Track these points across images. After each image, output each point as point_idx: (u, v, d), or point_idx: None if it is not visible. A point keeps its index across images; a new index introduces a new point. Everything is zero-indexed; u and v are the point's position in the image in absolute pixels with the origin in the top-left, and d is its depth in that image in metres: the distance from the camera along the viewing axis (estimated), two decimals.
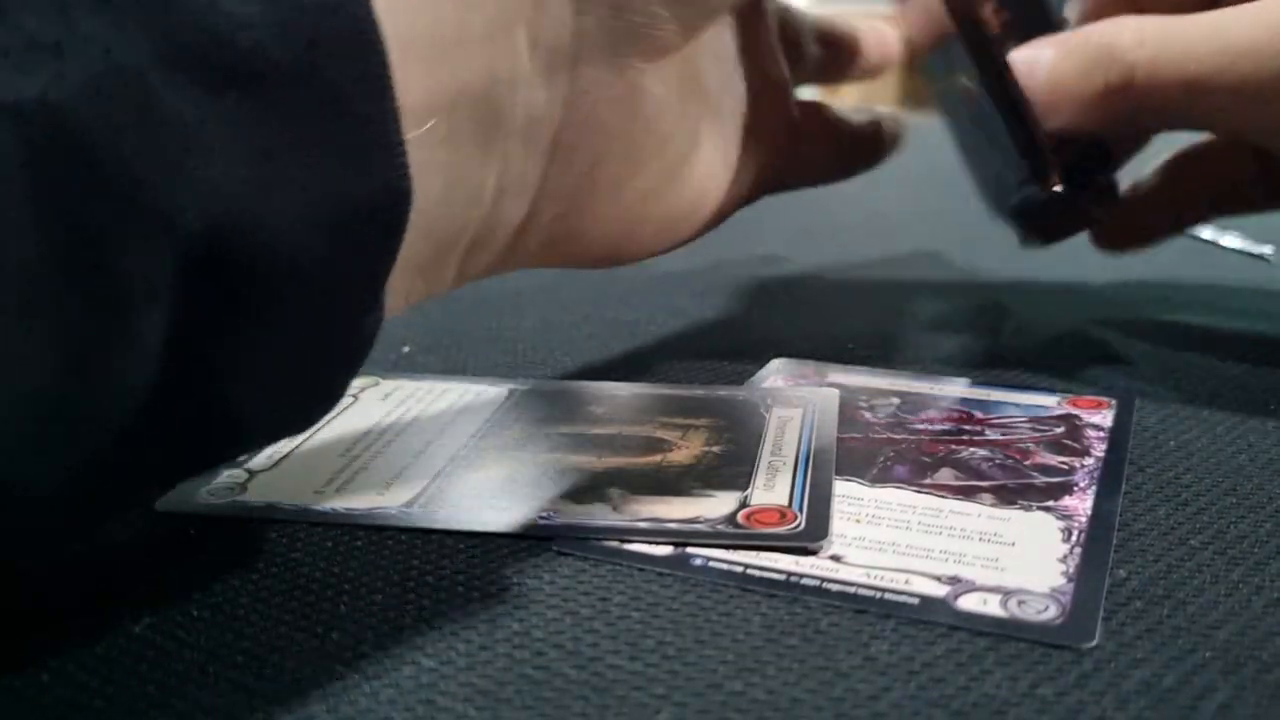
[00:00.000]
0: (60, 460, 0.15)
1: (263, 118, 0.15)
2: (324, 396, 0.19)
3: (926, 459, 0.26)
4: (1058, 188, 0.31)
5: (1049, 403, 0.29)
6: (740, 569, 0.21)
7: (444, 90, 0.18)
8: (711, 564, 0.21)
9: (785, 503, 0.23)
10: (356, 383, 0.28)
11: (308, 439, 0.26)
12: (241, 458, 0.25)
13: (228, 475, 0.24)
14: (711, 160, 0.27)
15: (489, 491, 0.24)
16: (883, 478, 0.25)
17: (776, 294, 0.41)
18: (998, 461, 0.25)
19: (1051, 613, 0.19)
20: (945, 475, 0.25)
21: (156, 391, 0.16)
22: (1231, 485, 0.24)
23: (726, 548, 0.21)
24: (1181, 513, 0.23)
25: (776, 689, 0.17)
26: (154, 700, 0.17)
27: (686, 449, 0.26)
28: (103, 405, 0.15)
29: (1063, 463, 0.25)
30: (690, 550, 0.21)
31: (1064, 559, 0.21)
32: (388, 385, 0.30)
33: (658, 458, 0.25)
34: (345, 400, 0.28)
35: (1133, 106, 0.28)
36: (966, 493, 0.24)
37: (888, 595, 0.20)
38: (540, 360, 0.33)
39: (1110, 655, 0.18)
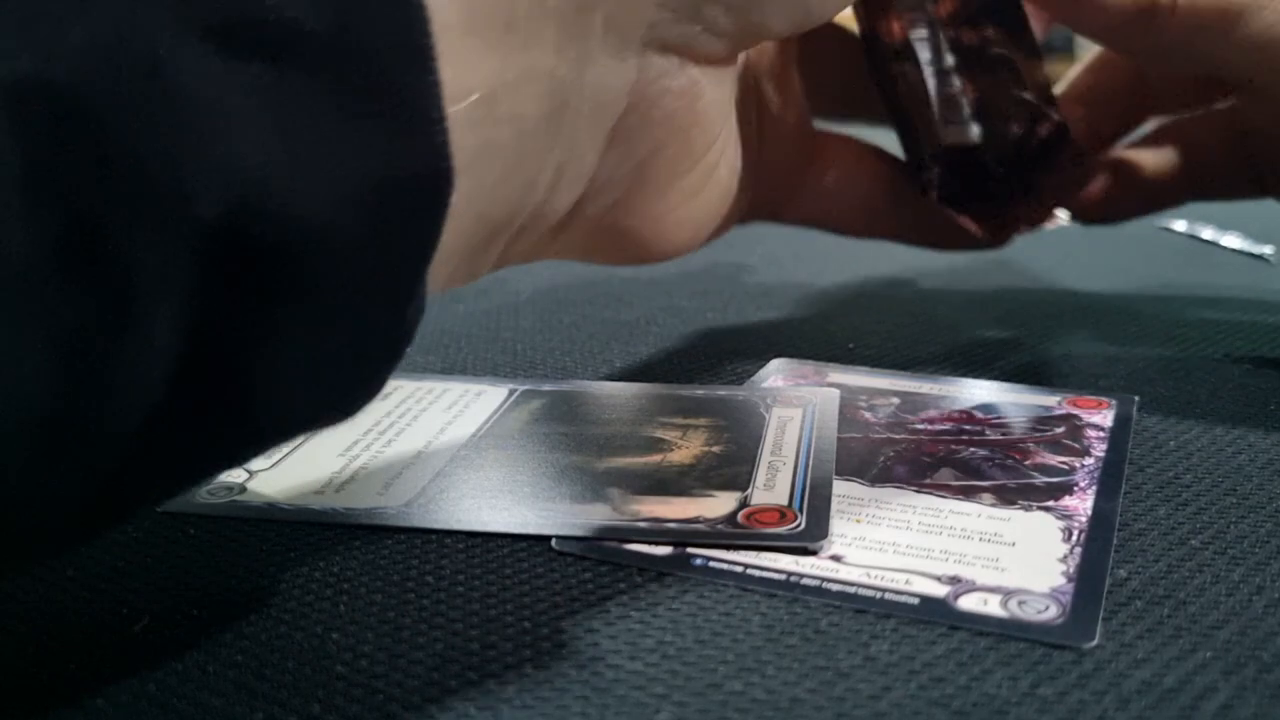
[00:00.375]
0: (63, 473, 0.14)
1: (290, 89, 0.14)
2: (364, 390, 0.17)
3: (927, 459, 0.26)
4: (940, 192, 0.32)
5: (1049, 403, 0.29)
6: (740, 569, 0.21)
7: (510, 68, 0.17)
8: (711, 564, 0.21)
9: (785, 503, 0.23)
10: None
11: (307, 439, 0.26)
12: None
13: (227, 475, 0.24)
14: (733, 168, 0.27)
15: (489, 491, 0.24)
16: (883, 478, 0.25)
17: (776, 294, 0.41)
18: (998, 461, 0.25)
19: (1052, 613, 0.19)
20: (945, 475, 0.25)
21: (174, 388, 0.14)
22: (1232, 485, 0.24)
23: (726, 548, 0.21)
24: (1182, 513, 0.23)
25: (776, 689, 0.17)
26: (154, 700, 0.17)
27: (686, 449, 0.26)
28: (110, 412, 0.14)
29: (1063, 463, 0.25)
30: (690, 550, 0.21)
31: (1064, 559, 0.21)
32: (387, 386, 0.30)
33: (658, 458, 0.25)
34: None
35: (1168, 33, 0.29)
36: (967, 493, 0.24)
37: (888, 595, 0.20)
38: (540, 360, 0.33)
39: (1111, 655, 0.18)
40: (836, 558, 0.21)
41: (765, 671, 0.18)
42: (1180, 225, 0.52)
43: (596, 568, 0.21)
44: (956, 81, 0.32)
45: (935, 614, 0.19)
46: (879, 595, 0.20)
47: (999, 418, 0.28)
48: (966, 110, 0.32)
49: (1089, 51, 0.37)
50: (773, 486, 0.24)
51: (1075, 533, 0.22)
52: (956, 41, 0.32)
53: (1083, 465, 0.25)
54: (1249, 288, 0.42)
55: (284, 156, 0.14)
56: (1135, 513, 0.23)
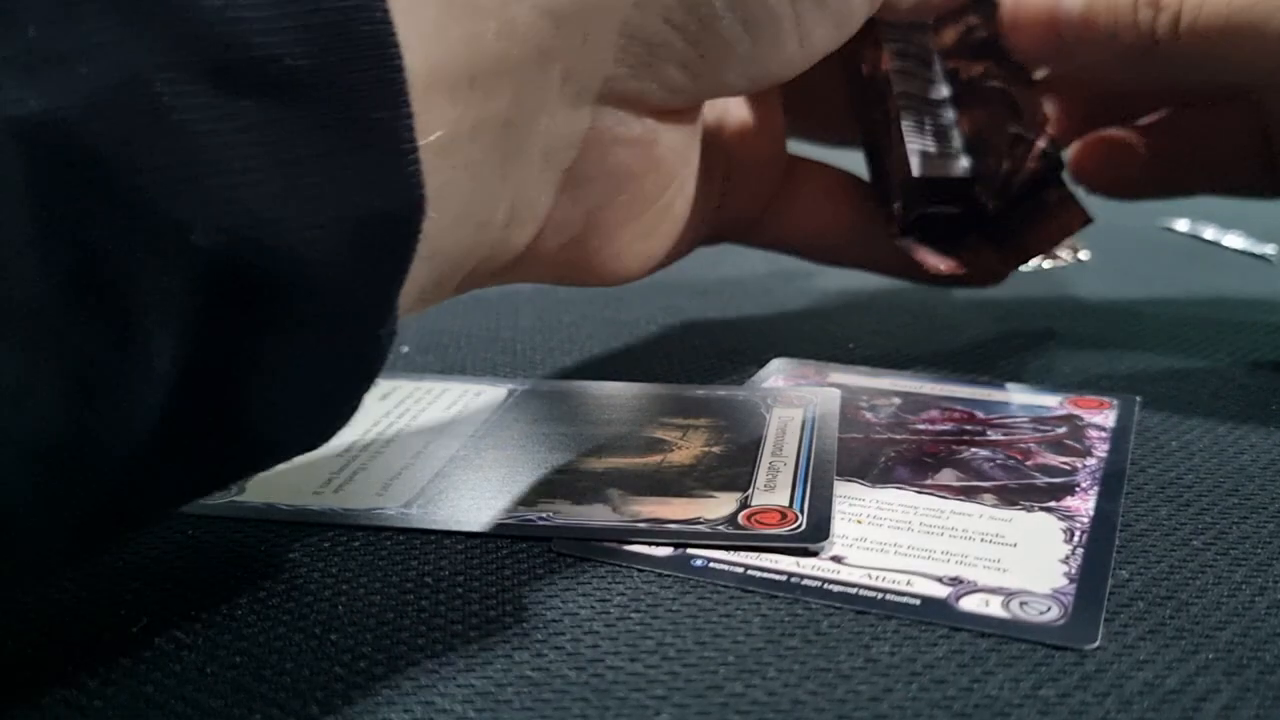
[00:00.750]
0: (68, 495, 0.15)
1: (279, 124, 0.15)
2: (341, 412, 0.18)
3: (928, 459, 0.25)
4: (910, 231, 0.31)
5: (1051, 403, 0.29)
6: (741, 570, 0.21)
7: (467, 118, 0.18)
8: (712, 565, 0.21)
9: (786, 503, 0.23)
10: None
11: None
12: None
13: None
14: (691, 201, 0.26)
15: (488, 492, 0.24)
16: (884, 478, 0.25)
17: (776, 294, 0.41)
18: (999, 462, 0.25)
19: (1054, 614, 0.19)
20: (947, 476, 0.25)
21: (169, 414, 0.15)
22: (1234, 486, 0.24)
23: (727, 548, 0.21)
24: (1184, 513, 0.23)
25: (777, 690, 0.17)
26: (152, 700, 0.17)
27: (686, 449, 0.26)
28: (112, 436, 0.15)
29: (1064, 463, 0.25)
30: (690, 551, 0.21)
31: (1066, 560, 0.21)
32: (386, 385, 0.30)
33: (658, 458, 0.25)
34: None
35: (1172, 60, 0.29)
36: (968, 493, 0.24)
37: (889, 596, 0.20)
38: (540, 360, 0.33)
39: (1113, 656, 0.18)
40: (837, 559, 0.21)
41: (766, 673, 0.18)
42: (1182, 225, 0.52)
43: (596, 568, 0.21)
44: (950, 113, 0.32)
45: (937, 615, 0.19)
46: (880, 596, 0.20)
47: (1000, 418, 0.28)
48: (958, 143, 0.32)
49: None
50: (773, 487, 0.24)
51: (1077, 533, 0.22)
52: (954, 73, 0.32)
53: (1084, 466, 0.25)
54: (1251, 288, 0.42)
55: (273, 189, 0.15)
56: (1137, 513, 0.23)
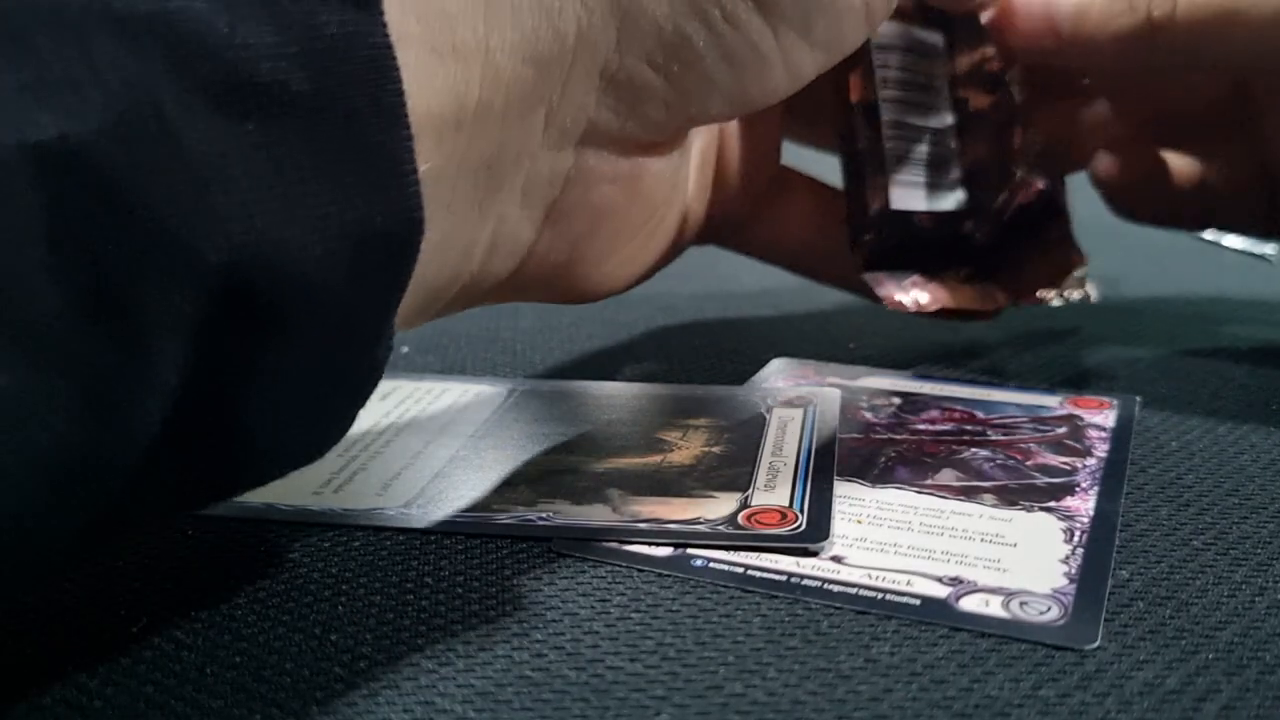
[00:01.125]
0: (75, 506, 0.15)
1: (283, 146, 0.15)
2: (337, 426, 0.18)
3: (928, 459, 0.25)
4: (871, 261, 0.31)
5: (1050, 403, 0.29)
6: (741, 570, 0.21)
7: (452, 161, 0.18)
8: (712, 565, 0.21)
9: (786, 503, 0.23)
10: None
11: None
12: None
13: None
14: (679, 219, 0.26)
15: (488, 492, 0.24)
16: (884, 478, 0.25)
17: (776, 294, 0.41)
18: (999, 462, 0.25)
19: (1054, 614, 0.19)
20: (947, 476, 0.25)
21: (172, 426, 0.16)
22: (1234, 486, 0.24)
23: (727, 549, 0.21)
24: (1184, 513, 0.23)
25: (777, 690, 0.17)
26: (152, 701, 0.17)
27: (686, 449, 0.26)
28: (118, 448, 0.15)
29: (1064, 463, 0.25)
30: (690, 551, 0.21)
31: (1066, 560, 0.21)
32: (386, 385, 0.30)
33: (658, 458, 0.25)
34: None
35: (1168, 40, 0.29)
36: (968, 493, 0.24)
37: (889, 596, 0.20)
38: (540, 360, 0.33)
39: (1113, 657, 0.18)
40: (837, 559, 0.21)
41: (766, 673, 0.18)
42: None
43: (596, 568, 0.21)
44: (952, 142, 0.31)
45: (937, 615, 0.19)
46: (880, 596, 0.20)
47: (1000, 418, 0.28)
48: (955, 174, 0.31)
49: None
50: (773, 487, 0.24)
51: (1077, 534, 0.22)
52: (964, 102, 0.31)
53: (1084, 466, 0.25)
54: (1251, 288, 0.42)
55: (278, 208, 0.15)
56: (1137, 513, 0.23)
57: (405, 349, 0.34)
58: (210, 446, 0.17)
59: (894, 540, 0.22)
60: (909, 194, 0.30)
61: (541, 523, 0.22)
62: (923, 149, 0.31)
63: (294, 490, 0.24)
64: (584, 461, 0.25)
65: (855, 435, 0.27)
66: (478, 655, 0.18)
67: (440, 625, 0.19)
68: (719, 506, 0.23)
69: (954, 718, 0.17)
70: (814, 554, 0.21)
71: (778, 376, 0.31)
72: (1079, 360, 0.33)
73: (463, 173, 0.19)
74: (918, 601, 0.20)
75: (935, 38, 0.31)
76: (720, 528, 0.22)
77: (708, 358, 0.33)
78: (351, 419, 0.18)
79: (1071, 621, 0.19)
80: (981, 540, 0.22)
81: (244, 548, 0.22)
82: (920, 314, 0.31)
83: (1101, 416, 0.28)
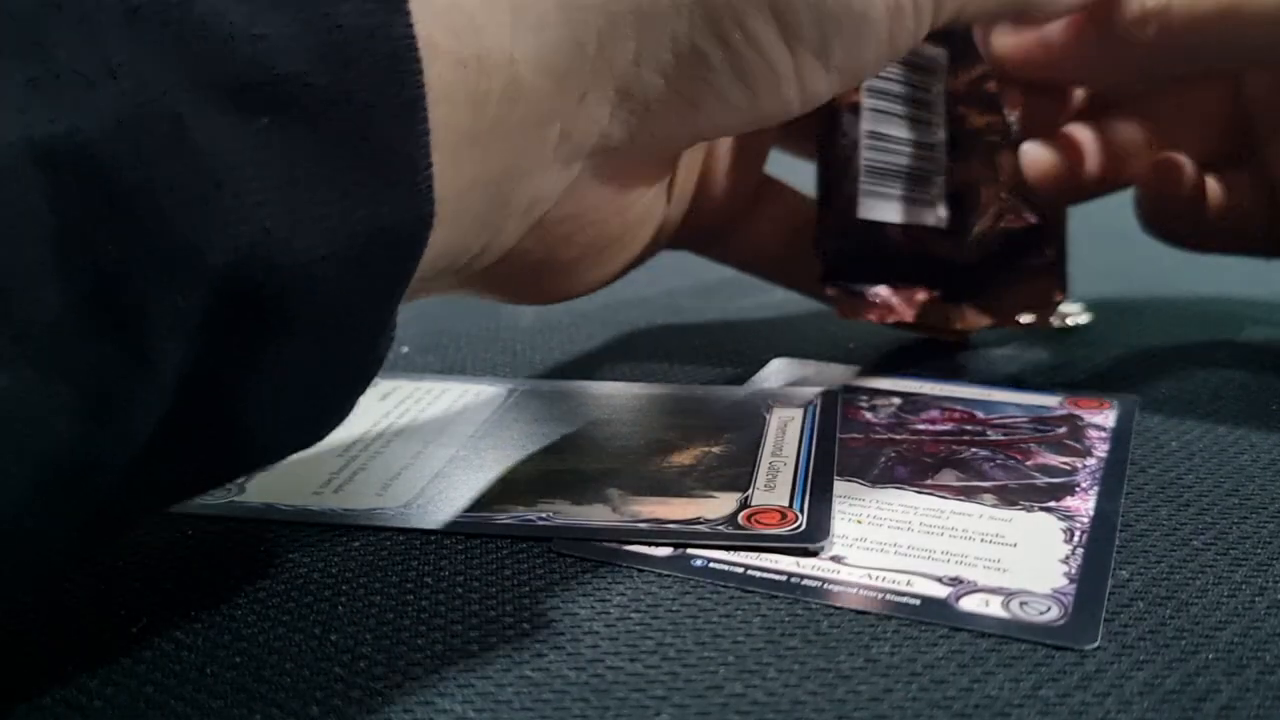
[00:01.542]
0: (74, 506, 0.15)
1: (294, 143, 0.15)
2: (335, 415, 0.18)
3: (928, 459, 0.25)
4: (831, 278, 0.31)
5: (1050, 403, 0.29)
6: (741, 570, 0.21)
7: (464, 180, 0.18)
8: (712, 565, 0.21)
9: (786, 503, 0.23)
10: None
11: None
12: None
13: None
14: (654, 229, 0.26)
15: (488, 492, 0.24)
16: (884, 478, 0.25)
17: (776, 294, 0.41)
18: (999, 462, 0.25)
19: (1054, 614, 0.19)
20: (947, 476, 0.25)
21: (170, 424, 0.15)
22: (1234, 486, 0.24)
23: (727, 549, 0.21)
24: (1184, 513, 0.23)
25: (777, 690, 0.17)
26: (152, 701, 0.17)
27: (687, 449, 0.26)
28: (119, 448, 0.15)
29: (1064, 463, 0.25)
30: (690, 551, 0.21)
31: (1066, 560, 0.21)
32: (386, 386, 0.30)
33: (658, 458, 0.25)
34: None
35: (1167, 41, 0.29)
36: (968, 493, 0.24)
37: (889, 596, 0.20)
38: (540, 360, 0.33)
39: (1113, 657, 0.18)
40: (837, 559, 0.21)
41: (766, 673, 0.18)
42: None
43: (596, 568, 0.21)
44: (942, 159, 0.31)
45: (936, 615, 0.19)
46: (880, 596, 0.20)
47: (1000, 418, 0.28)
48: (939, 190, 0.31)
49: None
50: (773, 487, 0.24)
51: (1077, 534, 0.22)
52: (961, 120, 0.31)
53: (1084, 466, 0.25)
54: (1251, 288, 0.42)
55: (286, 206, 0.15)
56: (1137, 513, 0.23)
57: (405, 349, 0.34)
58: (208, 441, 0.16)
59: (894, 540, 0.22)
60: (882, 205, 0.30)
61: (541, 523, 0.22)
62: (905, 161, 0.31)
63: (294, 490, 0.24)
64: (584, 461, 0.25)
65: (855, 435, 0.27)
66: (478, 655, 0.18)
67: (440, 625, 0.19)
68: (719, 506, 0.23)
69: (954, 718, 0.17)
70: (814, 554, 0.21)
71: (778, 376, 0.31)
72: (1079, 360, 0.33)
73: (474, 189, 0.19)
74: (918, 601, 0.20)
75: (937, 52, 0.31)
76: (720, 528, 0.22)
77: (708, 358, 0.33)
78: (352, 406, 0.18)
79: (1071, 621, 0.19)
80: (981, 540, 0.22)
81: (244, 548, 0.22)
82: (882, 323, 0.31)
83: (1101, 416, 0.28)
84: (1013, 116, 0.31)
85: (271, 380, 0.16)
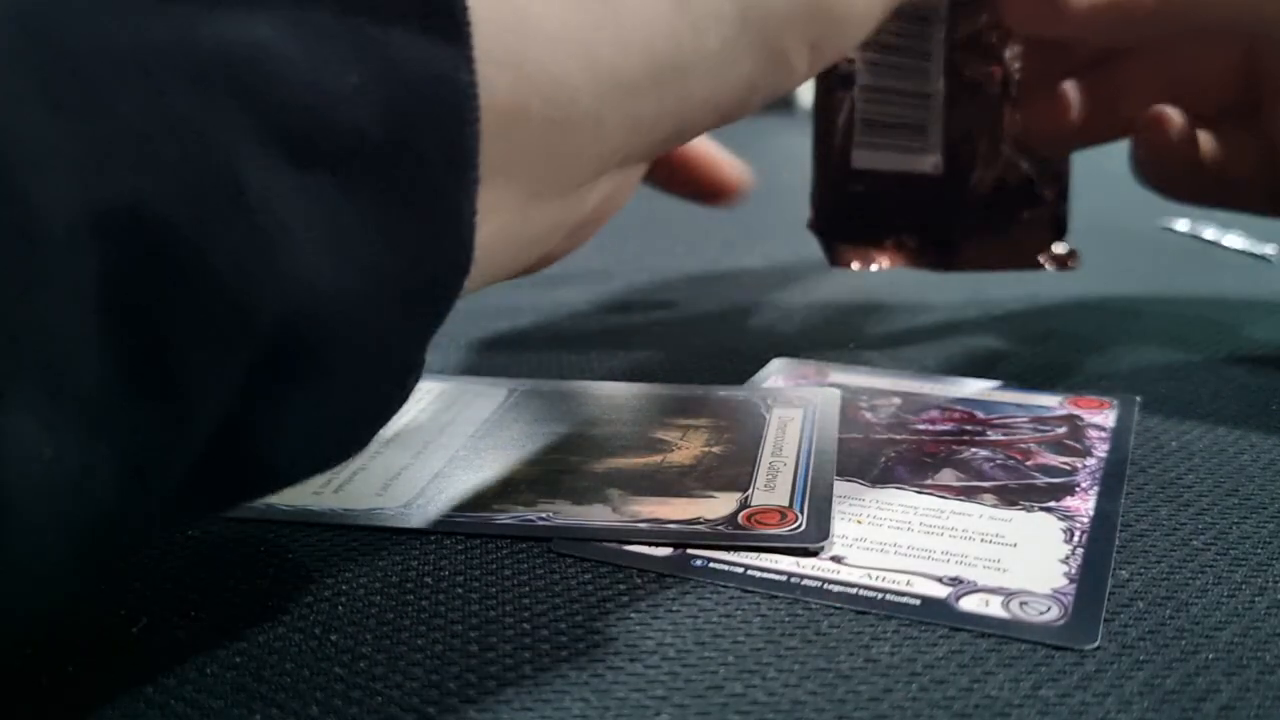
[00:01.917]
0: (104, 558, 0.15)
1: (346, 196, 0.15)
2: (357, 446, 0.18)
3: (928, 459, 0.25)
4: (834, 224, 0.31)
5: (1050, 403, 0.29)
6: (741, 570, 0.21)
7: (512, 235, 0.18)
8: (712, 565, 0.21)
9: (786, 503, 0.23)
10: None
11: None
12: None
13: None
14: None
15: (488, 492, 0.24)
16: (884, 478, 0.25)
17: (776, 294, 0.41)
18: (999, 462, 0.25)
19: (1054, 614, 0.19)
20: (947, 476, 0.25)
21: (197, 467, 0.15)
22: (1234, 486, 0.24)
23: (727, 549, 0.21)
24: (1184, 513, 0.23)
25: (777, 690, 0.17)
26: (152, 701, 0.17)
27: (686, 449, 0.26)
28: (151, 502, 0.15)
29: (1064, 463, 0.25)
30: (690, 551, 0.21)
31: (1066, 560, 0.21)
32: None
33: (658, 458, 0.25)
34: None
35: (1170, 3, 0.29)
36: (968, 493, 0.24)
37: (889, 596, 0.20)
38: (540, 360, 0.33)
39: (1113, 656, 0.18)
40: (837, 559, 0.21)
41: (766, 673, 0.18)
42: (1182, 225, 0.52)
43: (596, 569, 0.21)
44: (939, 108, 0.31)
45: (937, 615, 0.19)
46: (880, 596, 0.20)
47: (1000, 418, 0.28)
48: (935, 139, 0.31)
49: None
50: (773, 487, 0.24)
51: (1077, 533, 0.22)
52: (959, 69, 0.31)
53: (1084, 466, 0.25)
54: (1251, 288, 0.42)
55: (332, 260, 0.15)
56: (1137, 513, 0.23)
57: None
58: (232, 480, 0.16)
59: (894, 540, 0.22)
60: (876, 155, 0.31)
61: (541, 523, 0.22)
62: (900, 111, 0.31)
63: (294, 490, 0.24)
64: (584, 461, 0.25)
65: (855, 435, 0.27)
66: (478, 655, 0.18)
67: (440, 626, 0.19)
68: (719, 506, 0.23)
69: (954, 718, 0.17)
70: (814, 554, 0.21)
71: (778, 376, 0.31)
72: (1079, 360, 0.33)
73: (517, 242, 0.19)
74: (918, 601, 0.20)
75: (936, 1, 0.31)
76: (720, 528, 0.22)
77: (708, 358, 0.33)
78: (371, 439, 0.18)
79: (1071, 621, 0.19)
80: (981, 540, 0.22)
81: (244, 548, 0.22)
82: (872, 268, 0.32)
83: (1101, 416, 0.28)
84: (1014, 67, 0.31)
85: (303, 427, 0.16)
